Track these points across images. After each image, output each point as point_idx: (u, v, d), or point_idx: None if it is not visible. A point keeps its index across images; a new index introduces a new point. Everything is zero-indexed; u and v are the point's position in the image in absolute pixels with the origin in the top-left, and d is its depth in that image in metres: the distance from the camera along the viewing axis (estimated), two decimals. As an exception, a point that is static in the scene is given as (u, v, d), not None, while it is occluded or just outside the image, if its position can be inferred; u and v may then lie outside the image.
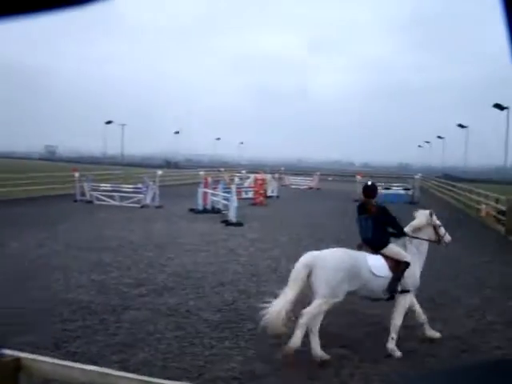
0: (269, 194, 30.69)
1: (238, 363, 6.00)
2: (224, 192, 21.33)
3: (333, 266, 6.07)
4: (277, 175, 35.18)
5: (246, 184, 31.31)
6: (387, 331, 6.58)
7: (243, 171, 41.52)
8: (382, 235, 6.57)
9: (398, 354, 6.26)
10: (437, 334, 6.83)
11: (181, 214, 20.90)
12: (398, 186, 34.74)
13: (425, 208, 7.53)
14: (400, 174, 68.51)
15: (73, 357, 5.66)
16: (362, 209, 6.75)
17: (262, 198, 26.07)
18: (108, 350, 6.23)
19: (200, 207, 21.65)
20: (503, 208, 19.46)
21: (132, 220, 18.53)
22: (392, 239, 6.67)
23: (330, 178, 59.69)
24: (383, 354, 6.37)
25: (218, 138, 78.42)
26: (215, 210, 21.53)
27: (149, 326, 7.12)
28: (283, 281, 9.87)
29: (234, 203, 18.39)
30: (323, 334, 6.68)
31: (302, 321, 5.90)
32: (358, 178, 34.00)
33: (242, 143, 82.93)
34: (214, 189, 22.60)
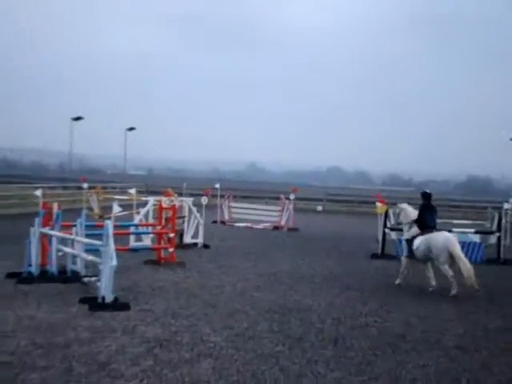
0: (187, 239, 18.76)
1: None
2: (88, 234, 12.86)
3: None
4: (205, 199, 21.35)
5: (138, 217, 18.67)
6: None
7: (132, 190, 23.36)
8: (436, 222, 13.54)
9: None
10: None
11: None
12: (464, 227, 20.27)
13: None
14: (462, 200, 43.24)
15: None
16: (428, 206, 13.17)
17: (171, 250, 17.03)
18: None
19: (34, 269, 13.19)
20: None
21: None
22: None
23: (319, 207, 39.81)
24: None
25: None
26: (68, 275, 13.15)
27: None
28: None
29: (110, 260, 10.16)
30: None
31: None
32: (379, 204, 19.47)
33: (131, 129, 55.62)
34: (67, 227, 14.00)
